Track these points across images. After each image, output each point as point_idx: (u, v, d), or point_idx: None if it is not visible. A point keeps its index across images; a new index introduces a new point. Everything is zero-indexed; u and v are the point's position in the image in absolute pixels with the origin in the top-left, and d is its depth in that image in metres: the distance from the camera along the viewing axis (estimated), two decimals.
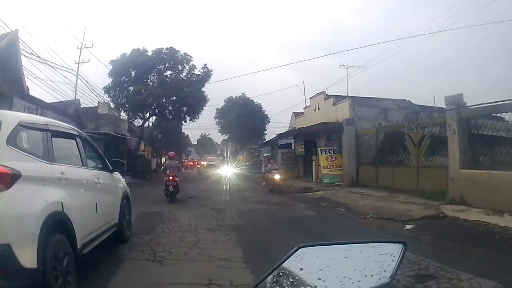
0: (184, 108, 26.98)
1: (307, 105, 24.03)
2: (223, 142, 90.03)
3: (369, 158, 15.34)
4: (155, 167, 40.76)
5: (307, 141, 21.35)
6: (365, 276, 1.25)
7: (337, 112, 18.65)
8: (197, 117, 28.16)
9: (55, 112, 15.26)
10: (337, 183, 16.82)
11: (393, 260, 1.29)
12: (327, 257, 1.28)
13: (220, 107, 37.62)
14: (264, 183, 16.10)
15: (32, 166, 3.19)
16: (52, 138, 3.72)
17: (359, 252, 1.32)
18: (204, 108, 27.97)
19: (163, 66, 26.27)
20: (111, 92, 25.91)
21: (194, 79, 26.18)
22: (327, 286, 1.22)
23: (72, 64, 25.37)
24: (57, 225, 3.20)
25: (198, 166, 41.47)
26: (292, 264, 1.26)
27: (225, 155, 59.27)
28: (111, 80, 25.80)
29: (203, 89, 26.82)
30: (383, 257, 1.29)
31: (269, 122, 37.31)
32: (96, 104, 27.56)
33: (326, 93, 20.71)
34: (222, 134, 40.56)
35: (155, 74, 26.30)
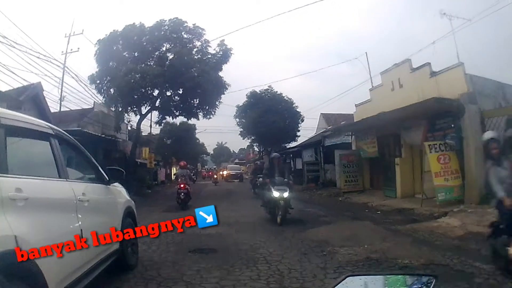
0: (195, 100, 19.93)
1: (373, 85, 16.68)
2: (240, 151, 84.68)
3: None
4: (164, 178, 34.20)
5: (381, 136, 14.26)
6: None
7: (439, 87, 11.53)
8: (213, 112, 20.61)
9: None
10: (456, 199, 10.15)
11: None
12: (371, 286, 1.55)
13: (241, 104, 30.50)
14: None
15: None
16: (7, 138, 2.37)
17: (398, 282, 1.65)
18: (221, 100, 20.58)
19: (166, 45, 19.29)
20: (97, 81, 19.19)
21: (208, 57, 19.08)
22: None
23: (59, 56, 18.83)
24: (12, 272, 2.01)
25: (215, 177, 34.04)
26: None
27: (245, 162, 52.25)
28: (97, 65, 19.12)
29: (220, 73, 19.70)
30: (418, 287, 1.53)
31: (302, 121, 29.95)
32: (92, 105, 21.06)
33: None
34: (243, 138, 33.28)
35: (156, 59, 19.24)
